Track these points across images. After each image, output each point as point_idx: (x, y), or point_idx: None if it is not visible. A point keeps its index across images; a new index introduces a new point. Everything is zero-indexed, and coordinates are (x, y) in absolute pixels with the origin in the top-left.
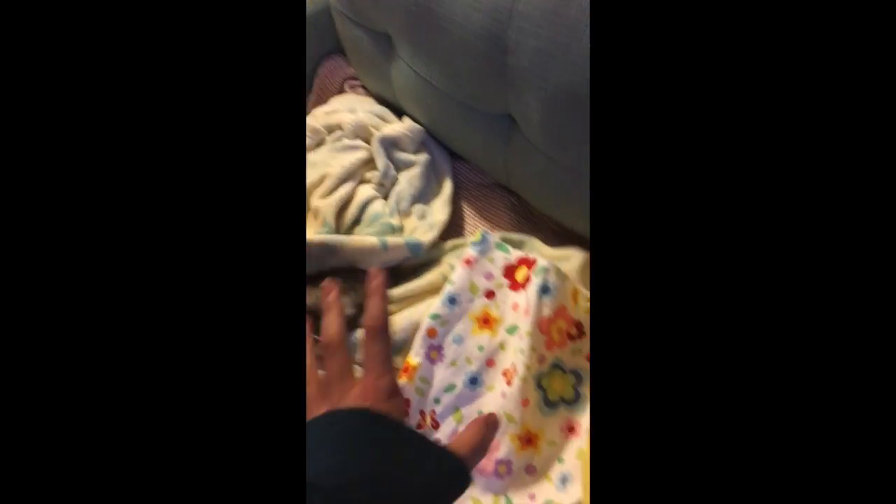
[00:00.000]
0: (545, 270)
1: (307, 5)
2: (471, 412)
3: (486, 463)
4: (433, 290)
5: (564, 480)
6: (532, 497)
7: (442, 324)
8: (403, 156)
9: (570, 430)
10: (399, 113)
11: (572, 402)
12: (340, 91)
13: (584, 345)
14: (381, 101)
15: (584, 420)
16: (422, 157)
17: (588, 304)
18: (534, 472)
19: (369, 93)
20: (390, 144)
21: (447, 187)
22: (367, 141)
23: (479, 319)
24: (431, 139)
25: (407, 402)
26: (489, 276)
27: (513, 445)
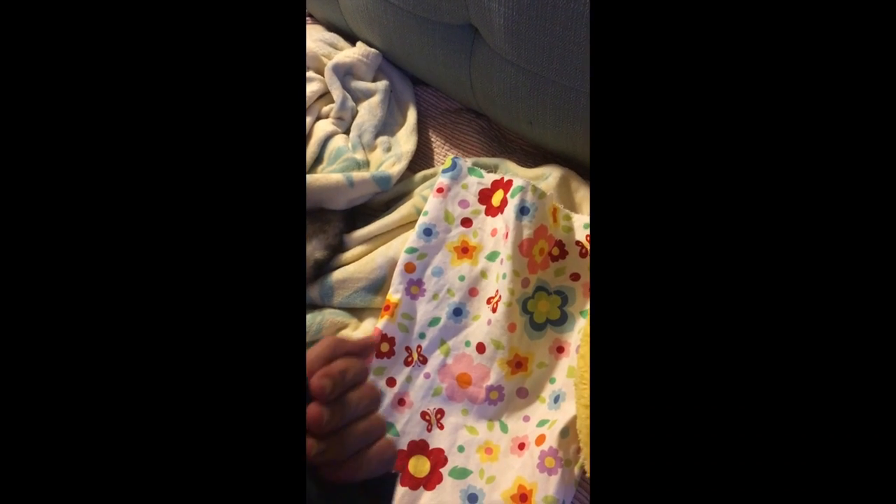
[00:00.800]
0: (522, 190)
1: None
2: (457, 343)
3: (477, 391)
4: (407, 223)
5: (557, 399)
6: (526, 419)
7: (419, 257)
8: (361, 84)
9: (560, 350)
10: (352, 39)
11: (559, 322)
12: None
13: (567, 264)
14: (332, 28)
15: (572, 339)
16: (381, 85)
17: (568, 223)
18: (526, 395)
19: (317, 20)
20: (345, 73)
21: (411, 115)
22: (320, 72)
23: (457, 249)
24: (389, 64)
25: (392, 339)
26: (464, 204)
27: (503, 371)
